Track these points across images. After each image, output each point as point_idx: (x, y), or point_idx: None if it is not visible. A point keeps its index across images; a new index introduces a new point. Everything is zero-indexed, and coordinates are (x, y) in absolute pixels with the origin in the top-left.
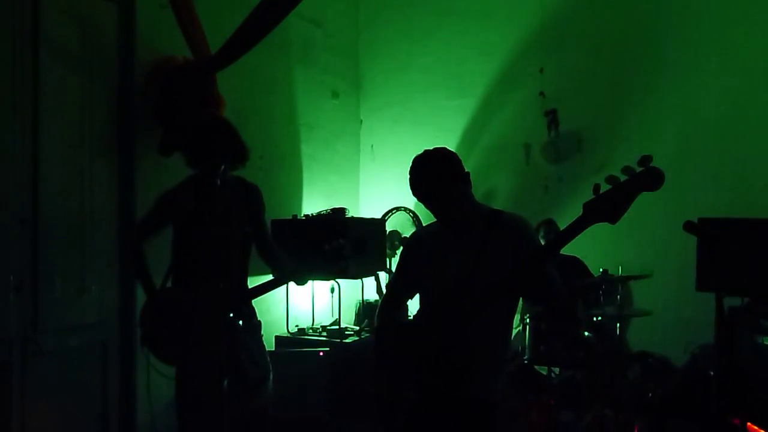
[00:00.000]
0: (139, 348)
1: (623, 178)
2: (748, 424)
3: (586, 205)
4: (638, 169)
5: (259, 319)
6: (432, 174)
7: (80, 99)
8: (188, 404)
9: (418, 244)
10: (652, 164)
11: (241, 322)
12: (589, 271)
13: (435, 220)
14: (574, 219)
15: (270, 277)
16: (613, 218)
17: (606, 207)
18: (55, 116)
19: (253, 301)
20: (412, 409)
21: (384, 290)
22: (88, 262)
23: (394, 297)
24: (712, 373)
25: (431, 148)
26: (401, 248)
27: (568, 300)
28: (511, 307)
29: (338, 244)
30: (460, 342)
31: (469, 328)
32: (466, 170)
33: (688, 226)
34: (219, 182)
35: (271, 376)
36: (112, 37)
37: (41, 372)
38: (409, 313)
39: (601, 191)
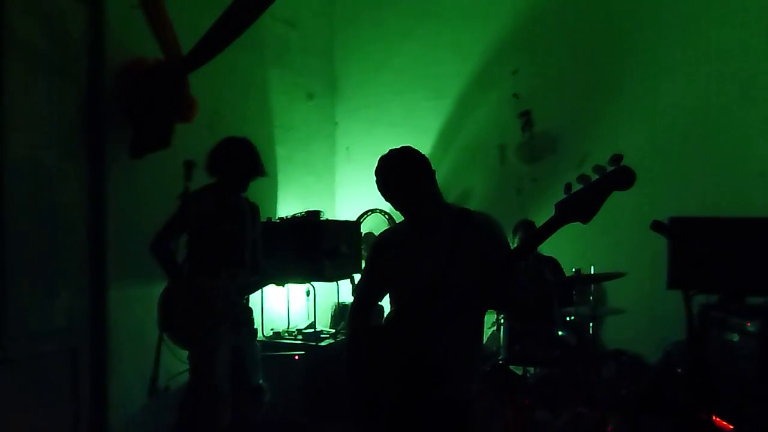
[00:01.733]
0: (111, 353)
1: (594, 177)
2: (714, 417)
3: (558, 205)
4: (609, 168)
5: (256, 326)
6: (403, 172)
7: (48, 100)
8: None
9: (386, 245)
10: (623, 163)
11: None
12: (562, 271)
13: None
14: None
15: None
16: (585, 217)
17: (578, 206)
18: (22, 117)
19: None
20: (389, 412)
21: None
22: (57, 266)
23: (364, 300)
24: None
25: (397, 147)
26: (369, 250)
27: (542, 299)
28: (480, 308)
29: (335, 243)
30: (433, 343)
31: (442, 329)
32: (433, 169)
33: (656, 226)
34: (238, 193)
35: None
36: (81, 38)
37: (9, 379)
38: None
39: (572, 190)
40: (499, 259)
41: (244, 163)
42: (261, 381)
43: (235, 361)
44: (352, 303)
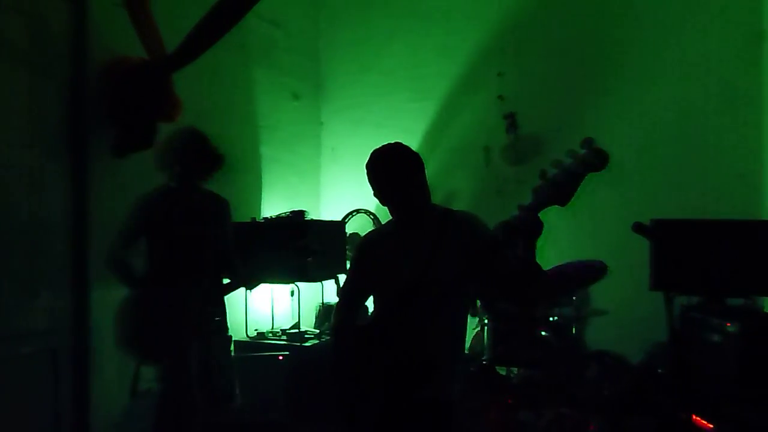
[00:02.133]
0: (92, 355)
1: (568, 161)
2: (695, 417)
3: (534, 190)
4: (581, 151)
5: (229, 333)
6: (397, 165)
7: (30, 98)
8: (168, 403)
9: (371, 245)
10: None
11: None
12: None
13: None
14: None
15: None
16: (562, 201)
17: (554, 190)
18: (3, 116)
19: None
20: (373, 413)
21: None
22: (38, 267)
23: (349, 300)
24: (660, 370)
25: (392, 142)
26: (354, 251)
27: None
28: (464, 308)
29: (306, 240)
30: (415, 343)
31: (425, 329)
32: (423, 165)
33: (637, 228)
34: (194, 191)
35: (237, 391)
36: (64, 36)
37: None
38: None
39: (548, 176)
40: (483, 247)
41: (197, 157)
42: (232, 387)
43: (204, 370)
44: (337, 303)
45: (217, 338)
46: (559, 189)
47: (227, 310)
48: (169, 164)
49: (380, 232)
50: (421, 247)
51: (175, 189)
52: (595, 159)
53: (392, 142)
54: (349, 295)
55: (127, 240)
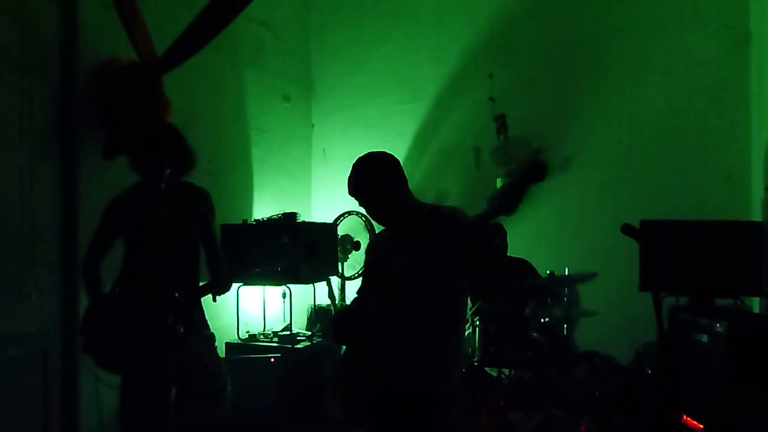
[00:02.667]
0: (82, 357)
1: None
2: (684, 417)
3: (488, 199)
4: (525, 164)
5: (212, 331)
6: (362, 178)
7: (19, 99)
8: (132, 415)
9: (373, 246)
10: (540, 159)
11: (182, 329)
12: (537, 272)
13: None
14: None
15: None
16: (509, 210)
17: (502, 200)
18: None
19: (204, 308)
20: (369, 407)
21: (335, 294)
22: (27, 268)
23: (358, 299)
24: (650, 370)
25: (373, 151)
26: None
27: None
28: (456, 300)
29: (280, 242)
30: (403, 335)
31: (413, 321)
32: (398, 175)
33: (626, 229)
34: (164, 187)
35: (229, 388)
36: (53, 37)
37: None
38: None
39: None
40: (465, 237)
41: (173, 152)
42: (221, 384)
43: (183, 374)
44: (351, 302)
45: (195, 338)
46: (504, 200)
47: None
48: (144, 161)
49: (381, 233)
50: (411, 243)
51: (145, 188)
52: (535, 171)
53: (369, 152)
54: (359, 295)
55: (98, 245)
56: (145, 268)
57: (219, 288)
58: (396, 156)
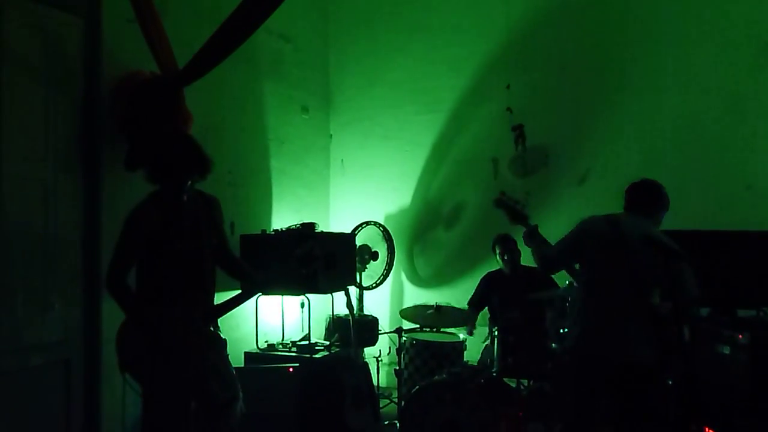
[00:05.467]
0: (104, 366)
1: None
2: (706, 429)
3: None
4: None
5: (224, 336)
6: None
7: (44, 113)
8: (157, 425)
9: None
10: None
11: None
12: (555, 282)
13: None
14: None
15: (236, 291)
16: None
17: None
18: (18, 130)
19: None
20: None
21: (353, 305)
22: (51, 279)
23: None
24: (670, 382)
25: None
26: None
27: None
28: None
29: (308, 245)
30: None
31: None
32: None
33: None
34: (186, 198)
35: (241, 396)
36: (77, 51)
37: (2, 392)
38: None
39: None
40: None
41: (192, 162)
42: (232, 391)
43: (199, 376)
44: None
45: (209, 343)
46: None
47: (237, 321)
48: (163, 171)
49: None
50: None
51: (163, 199)
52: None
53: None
54: None
55: (123, 259)
56: (175, 280)
57: (255, 293)
58: (414, 166)
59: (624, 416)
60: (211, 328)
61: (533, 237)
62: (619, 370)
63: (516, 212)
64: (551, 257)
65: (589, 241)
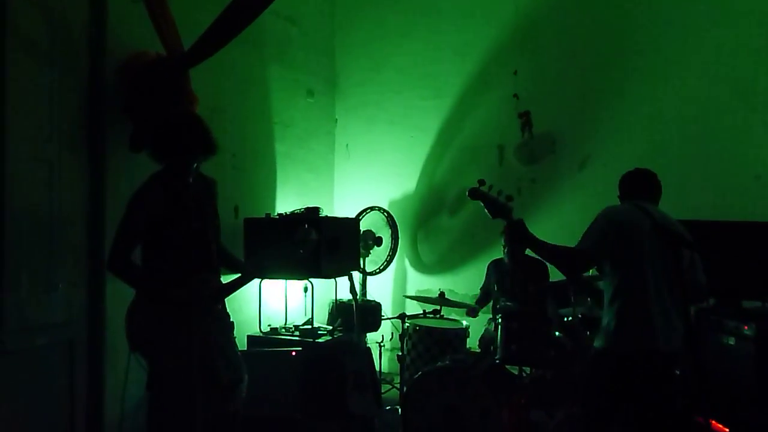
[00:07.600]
0: (107, 346)
1: None
2: (712, 421)
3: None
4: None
5: (232, 319)
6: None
7: (49, 93)
8: (165, 404)
9: None
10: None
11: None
12: (548, 274)
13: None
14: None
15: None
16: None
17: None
18: (23, 111)
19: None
20: None
21: (356, 290)
22: (56, 259)
23: None
24: (678, 372)
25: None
26: None
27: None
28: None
29: (303, 230)
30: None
31: None
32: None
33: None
34: (191, 180)
35: (246, 378)
36: (83, 32)
37: (7, 372)
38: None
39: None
40: None
41: (199, 142)
42: (238, 373)
43: (208, 357)
44: None
45: (219, 324)
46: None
47: (240, 305)
48: (169, 151)
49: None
50: None
51: (169, 180)
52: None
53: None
54: None
55: (128, 240)
56: (186, 261)
57: (250, 279)
58: (419, 152)
59: (647, 407)
60: (219, 307)
61: (520, 232)
62: (666, 360)
63: (497, 205)
64: (585, 252)
65: (626, 230)
